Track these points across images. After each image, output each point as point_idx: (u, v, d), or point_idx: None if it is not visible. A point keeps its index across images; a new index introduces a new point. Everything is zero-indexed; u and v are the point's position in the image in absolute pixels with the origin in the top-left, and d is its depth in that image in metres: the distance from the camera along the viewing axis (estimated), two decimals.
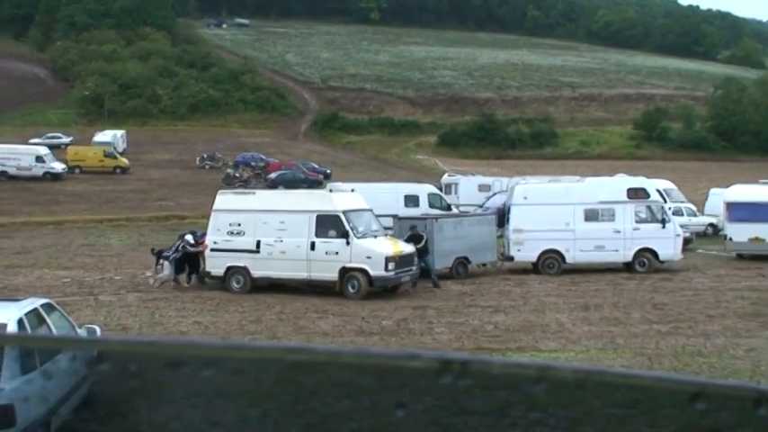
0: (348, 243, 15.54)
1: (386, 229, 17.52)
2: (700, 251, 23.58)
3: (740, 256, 21.92)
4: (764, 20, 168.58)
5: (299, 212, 16.02)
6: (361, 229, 15.99)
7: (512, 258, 19.54)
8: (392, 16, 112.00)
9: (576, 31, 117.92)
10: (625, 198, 19.32)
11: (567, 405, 1.04)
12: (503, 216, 20.61)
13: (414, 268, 16.31)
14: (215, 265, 16.65)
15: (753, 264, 20.50)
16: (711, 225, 27.98)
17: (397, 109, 76.96)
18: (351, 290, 15.49)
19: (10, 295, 11.15)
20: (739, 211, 21.84)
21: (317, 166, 49.65)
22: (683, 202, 29.46)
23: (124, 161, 48.96)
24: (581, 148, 68.42)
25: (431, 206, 25.75)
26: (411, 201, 25.79)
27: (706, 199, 30.49)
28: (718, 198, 25.85)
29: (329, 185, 26.29)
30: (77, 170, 45.98)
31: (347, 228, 15.64)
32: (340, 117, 73.05)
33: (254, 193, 19.68)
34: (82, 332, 7.63)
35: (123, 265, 20.38)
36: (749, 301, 15.11)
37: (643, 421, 1.03)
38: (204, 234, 17.32)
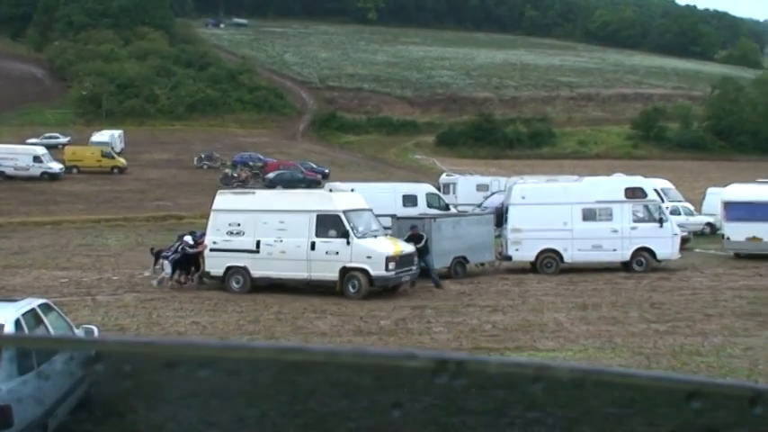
0: (348, 243, 15.53)
1: (385, 228, 17.53)
2: (697, 250, 23.61)
3: (738, 256, 21.95)
4: (761, 20, 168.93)
5: (299, 212, 16.01)
6: (361, 228, 15.98)
7: (510, 258, 19.55)
8: (390, 16, 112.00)
9: (573, 31, 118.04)
10: (623, 197, 19.34)
11: (564, 404, 1.04)
12: (501, 216, 20.61)
13: (414, 268, 16.32)
14: (214, 265, 16.61)
15: (750, 263, 20.53)
16: (709, 224, 28.01)
17: (395, 109, 76.98)
18: (351, 290, 15.49)
19: (7, 295, 11.14)
20: (737, 211, 21.87)
21: (315, 166, 49.64)
22: (680, 201, 29.49)
23: (122, 161, 48.90)
24: (579, 147, 68.51)
25: (429, 206, 25.74)
26: (409, 200, 25.79)
27: (703, 198, 30.53)
28: (716, 197, 25.87)
29: (329, 185, 26.23)
30: (75, 170, 45.93)
31: (347, 227, 15.63)
32: (338, 117, 73.05)
33: (253, 192, 19.67)
34: (79, 332, 7.61)
35: (121, 266, 20.35)
36: (747, 300, 15.13)
37: (640, 420, 1.03)
38: (203, 234, 17.30)
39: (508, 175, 36.17)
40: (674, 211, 24.92)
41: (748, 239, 21.58)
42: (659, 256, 19.31)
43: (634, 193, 19.52)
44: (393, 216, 19.79)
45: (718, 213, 24.68)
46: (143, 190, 42.43)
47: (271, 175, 45.08)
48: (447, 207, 26.85)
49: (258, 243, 16.21)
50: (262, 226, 16.17)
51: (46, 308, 7.34)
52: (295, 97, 78.24)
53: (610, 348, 11.24)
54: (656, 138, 69.38)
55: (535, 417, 1.02)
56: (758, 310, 14.00)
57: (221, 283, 16.54)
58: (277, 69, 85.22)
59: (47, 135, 55.06)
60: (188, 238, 17.28)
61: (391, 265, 15.51)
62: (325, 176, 45.13)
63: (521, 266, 19.51)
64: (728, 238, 22.13)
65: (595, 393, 1.02)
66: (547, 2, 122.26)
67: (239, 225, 16.44)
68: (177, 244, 17.21)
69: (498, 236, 20.18)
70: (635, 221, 19.26)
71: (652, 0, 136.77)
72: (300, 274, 15.87)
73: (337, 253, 15.60)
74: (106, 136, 52.56)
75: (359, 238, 15.68)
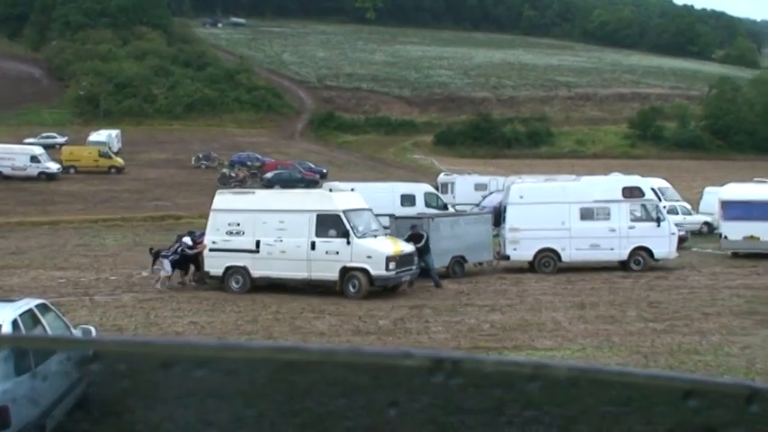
0: (348, 243, 15.52)
1: (384, 228, 17.54)
2: (695, 249, 23.65)
3: (735, 255, 21.99)
4: (759, 19, 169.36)
5: (298, 212, 16.00)
6: (361, 228, 15.98)
7: (508, 257, 19.56)
8: (388, 16, 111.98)
9: (571, 31, 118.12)
10: (620, 197, 19.36)
11: (562, 403, 1.04)
12: (499, 215, 20.63)
13: (413, 268, 16.33)
14: (214, 265, 16.59)
15: (748, 262, 20.56)
16: (706, 223, 28.05)
17: (394, 108, 76.97)
18: (351, 289, 15.48)
19: (5, 296, 11.12)
20: (734, 210, 21.91)
21: (313, 166, 49.62)
22: (677, 200, 29.53)
23: (119, 161, 48.83)
24: (576, 147, 68.58)
25: (427, 205, 25.74)
26: (407, 200, 25.78)
27: (701, 197, 30.57)
28: (713, 197, 25.91)
29: (328, 185, 26.20)
30: (72, 170, 45.84)
31: (348, 227, 15.63)
32: (336, 116, 73.02)
33: (253, 192, 19.66)
34: (77, 333, 7.60)
35: (118, 266, 20.32)
36: (744, 299, 15.16)
37: (637, 419, 1.04)
38: (203, 234, 17.27)
39: (506, 174, 36.18)
40: (672, 211, 24.95)
41: (746, 238, 21.61)
42: (657, 256, 19.34)
43: (632, 193, 19.55)
44: (391, 216, 19.79)
45: (715, 212, 24.72)
46: (141, 190, 42.38)
47: (269, 174, 45.05)
48: (445, 207, 26.86)
49: (258, 243, 16.20)
50: (261, 226, 16.15)
51: (43, 308, 7.33)
52: (293, 97, 78.19)
53: (608, 347, 11.26)
54: (653, 137, 69.47)
55: (532, 415, 1.02)
56: (755, 308, 14.03)
57: (220, 283, 16.52)
58: (275, 69, 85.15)
59: (44, 135, 54.97)
60: (186, 240, 17.24)
61: (391, 265, 15.51)
62: (324, 176, 45.11)
63: (519, 266, 19.52)
64: (726, 238, 22.16)
65: (592, 392, 1.02)
66: (545, 2, 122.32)
67: (239, 225, 16.42)
68: (177, 246, 17.15)
69: (496, 235, 20.20)
70: (632, 221, 19.29)
71: (650, 0, 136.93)
72: (300, 273, 15.86)
73: (337, 253, 15.59)
74: (104, 136, 52.49)
75: (359, 237, 15.67)
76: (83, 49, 73.95)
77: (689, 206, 29.50)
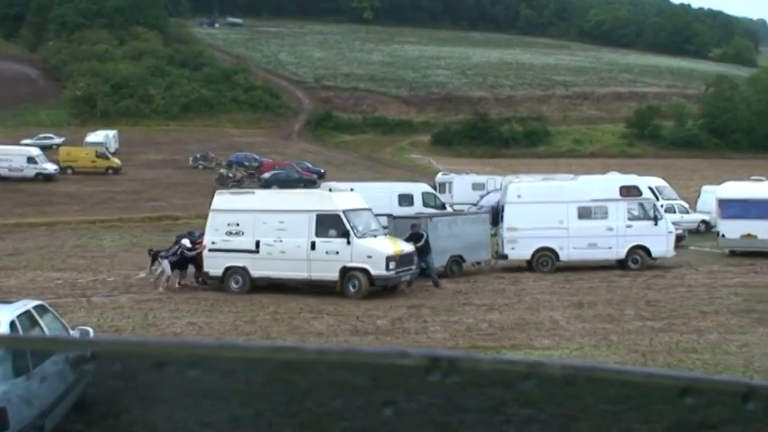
0: (349, 243, 15.51)
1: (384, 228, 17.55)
2: (692, 248, 23.68)
3: (733, 253, 22.04)
4: (756, 18, 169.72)
5: (298, 212, 15.98)
6: (361, 228, 15.98)
7: (506, 256, 19.58)
8: (385, 15, 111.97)
9: (568, 30, 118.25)
10: (618, 196, 19.39)
11: (560, 402, 1.04)
12: (497, 214, 20.64)
13: (413, 267, 16.34)
14: (213, 265, 16.55)
15: (745, 260, 20.61)
16: (704, 222, 28.11)
17: (391, 108, 76.96)
18: (351, 289, 15.48)
19: (2, 297, 11.09)
20: (731, 208, 21.95)
21: (310, 166, 49.60)
22: (675, 199, 29.59)
23: (116, 162, 48.75)
24: (574, 146, 68.65)
25: (425, 205, 25.75)
26: (405, 200, 25.78)
27: (698, 196, 30.63)
28: (711, 195, 25.97)
29: (328, 185, 26.17)
30: (69, 171, 45.75)
31: (348, 227, 15.63)
32: (333, 116, 73.00)
33: (253, 192, 19.64)
34: (75, 334, 7.59)
35: (116, 267, 20.29)
36: (742, 297, 15.19)
37: (635, 417, 1.04)
38: (202, 234, 17.24)
39: (504, 173, 36.19)
40: (669, 209, 24.99)
41: (743, 237, 21.65)
42: (654, 254, 19.37)
43: (629, 192, 19.58)
44: (389, 215, 19.79)
45: (712, 211, 24.76)
46: (138, 190, 42.33)
47: (266, 175, 45.02)
48: (443, 206, 26.86)
49: (258, 243, 16.18)
50: (261, 226, 16.13)
51: (41, 309, 7.32)
52: (290, 97, 78.15)
53: (605, 346, 11.27)
54: (650, 136, 69.56)
55: (531, 414, 1.02)
56: (753, 307, 14.05)
57: (220, 283, 16.49)
58: (272, 69, 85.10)
59: (41, 136, 54.85)
60: (185, 242, 17.19)
61: (392, 265, 15.52)
62: (321, 176, 45.12)
63: (517, 265, 19.53)
64: (723, 236, 22.21)
65: (590, 390, 1.02)
66: (542, 1, 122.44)
67: (238, 225, 16.40)
68: (176, 248, 17.09)
69: (494, 235, 20.21)
70: (630, 220, 19.32)
71: None
72: (300, 274, 15.85)
73: (337, 253, 15.58)
74: (101, 136, 52.40)
75: (359, 237, 15.67)
76: (79, 49, 73.82)
77: (686, 205, 29.55)
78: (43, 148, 48.33)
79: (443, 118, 73.70)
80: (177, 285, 16.85)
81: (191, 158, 52.16)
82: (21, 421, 4.47)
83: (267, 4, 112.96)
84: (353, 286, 15.50)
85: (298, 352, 1.04)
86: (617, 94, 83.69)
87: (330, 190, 21.07)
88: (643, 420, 1.04)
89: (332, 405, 1.04)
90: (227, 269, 16.37)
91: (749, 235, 21.57)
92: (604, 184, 20.27)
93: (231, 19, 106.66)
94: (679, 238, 21.52)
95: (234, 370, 1.04)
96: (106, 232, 30.00)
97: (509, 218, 19.35)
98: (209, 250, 16.60)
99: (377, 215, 17.97)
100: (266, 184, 40.16)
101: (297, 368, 1.01)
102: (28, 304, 7.23)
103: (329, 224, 15.75)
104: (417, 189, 27.65)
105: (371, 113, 75.01)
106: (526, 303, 14.86)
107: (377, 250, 15.55)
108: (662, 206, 21.92)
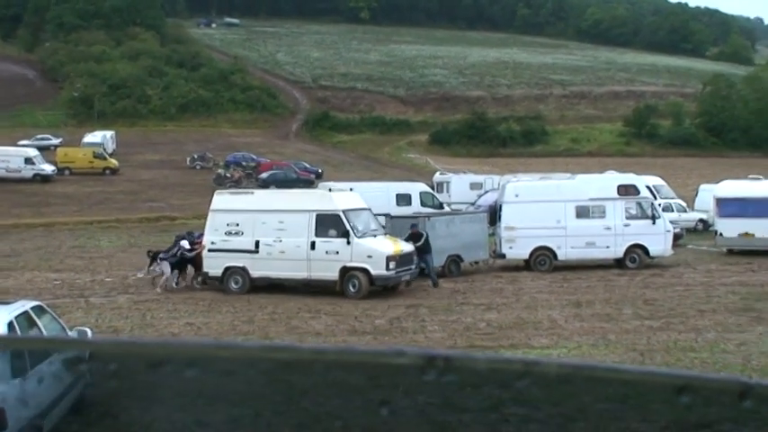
0: (348, 242, 15.50)
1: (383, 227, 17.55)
2: (690, 247, 23.71)
3: (730, 252, 22.07)
4: (752, 17, 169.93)
5: (298, 212, 15.96)
6: (360, 228, 15.97)
7: (504, 256, 19.59)
8: (382, 15, 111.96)
9: (565, 30, 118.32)
10: (615, 195, 19.41)
11: (558, 401, 1.04)
12: (494, 214, 20.65)
13: (413, 267, 16.34)
14: (213, 265, 16.52)
15: (743, 259, 20.64)
16: (701, 221, 28.15)
17: (388, 108, 76.95)
18: (351, 289, 15.48)
19: (0, 298, 11.07)
20: (729, 207, 21.99)
21: (308, 166, 49.57)
22: (672, 198, 29.62)
23: (114, 162, 48.68)
24: (571, 145, 68.68)
25: (423, 205, 25.74)
26: (403, 199, 25.78)
27: (696, 195, 30.66)
28: (708, 194, 26.00)
29: (328, 185, 26.16)
30: (67, 172, 45.70)
31: (347, 227, 15.62)
32: (331, 116, 72.97)
33: (252, 192, 19.60)
34: (73, 335, 7.58)
35: (114, 267, 20.27)
36: (740, 296, 15.21)
37: (632, 415, 1.04)
38: (201, 235, 17.22)
39: (501, 173, 36.22)
40: (667, 208, 25.02)
41: (741, 235, 21.69)
42: (652, 253, 19.39)
43: (627, 191, 19.60)
44: (387, 215, 19.79)
45: (710, 210, 24.80)
46: (135, 191, 42.27)
47: (264, 175, 44.98)
48: (441, 206, 26.87)
49: (257, 243, 16.16)
50: (261, 226, 16.11)
51: (39, 310, 7.31)
52: (288, 97, 78.10)
53: (603, 345, 11.28)
54: (648, 135, 69.64)
55: (527, 413, 1.02)
56: (751, 305, 14.08)
57: (219, 283, 16.48)
58: (269, 69, 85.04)
59: (38, 136, 54.79)
60: (184, 243, 17.16)
61: (392, 265, 15.51)
62: (319, 176, 45.10)
63: (515, 264, 19.55)
64: (721, 235, 22.24)
65: (588, 389, 1.02)
66: (539, 0, 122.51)
67: (238, 225, 16.38)
68: (175, 249, 17.06)
69: (492, 234, 20.22)
70: (628, 218, 19.34)
71: None
72: (300, 274, 15.83)
73: (337, 252, 15.57)
74: (98, 137, 52.34)
75: (359, 237, 15.66)
76: (76, 50, 73.72)
77: (684, 203, 29.58)
78: (40, 148, 48.28)
79: (441, 117, 73.70)
80: (175, 285, 16.83)
81: (188, 159, 52.11)
82: (19, 422, 4.46)
83: (264, 5, 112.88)
84: (353, 286, 15.49)
85: (295, 352, 1.04)
86: (614, 93, 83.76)
87: (330, 190, 21.07)
88: (640, 419, 1.04)
89: (329, 404, 1.04)
90: (227, 269, 16.35)
91: (747, 233, 21.61)
92: (602, 183, 20.29)
93: (228, 19, 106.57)
94: (677, 237, 21.55)
95: (231, 370, 1.04)
96: (104, 233, 29.96)
97: (507, 217, 19.35)
98: (209, 250, 16.57)
99: (375, 215, 17.98)
100: (264, 184, 40.10)
101: (294, 368, 1.02)
102: (26, 305, 7.23)
103: (329, 224, 15.74)
104: (415, 189, 27.64)
105: (369, 113, 74.99)
106: (524, 303, 14.87)
107: (377, 250, 15.55)
108: (660, 205, 21.93)
